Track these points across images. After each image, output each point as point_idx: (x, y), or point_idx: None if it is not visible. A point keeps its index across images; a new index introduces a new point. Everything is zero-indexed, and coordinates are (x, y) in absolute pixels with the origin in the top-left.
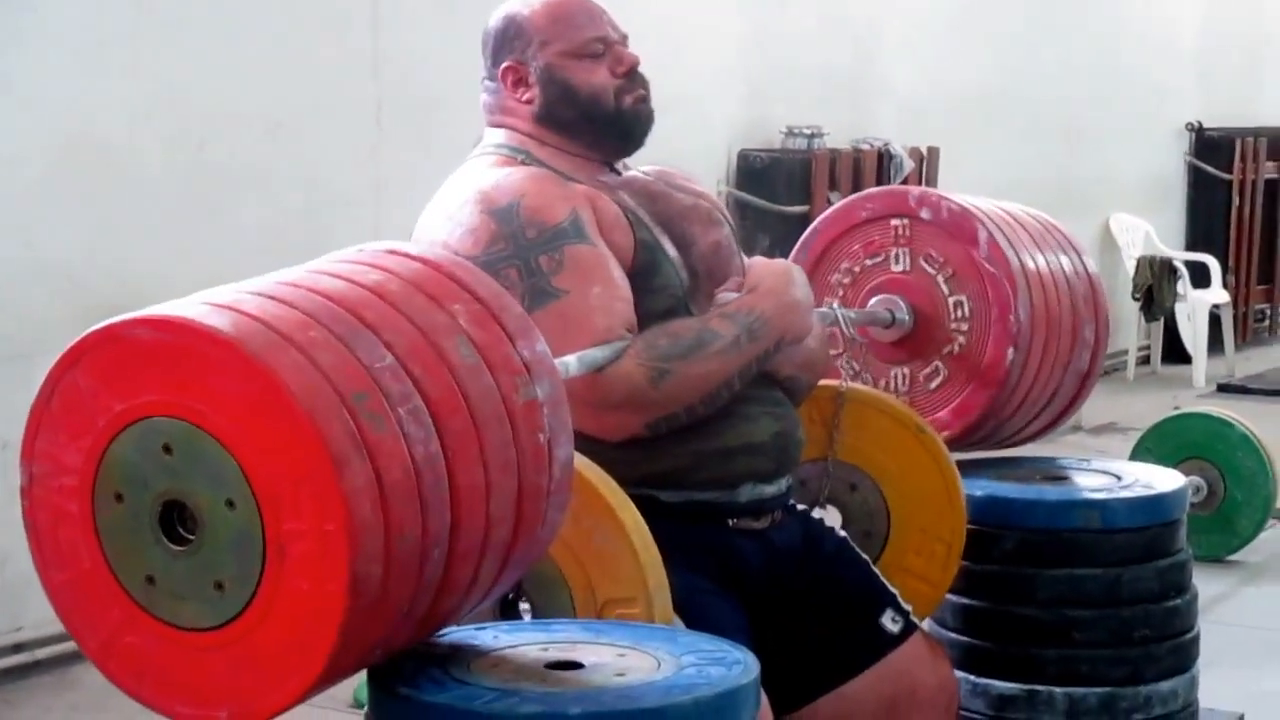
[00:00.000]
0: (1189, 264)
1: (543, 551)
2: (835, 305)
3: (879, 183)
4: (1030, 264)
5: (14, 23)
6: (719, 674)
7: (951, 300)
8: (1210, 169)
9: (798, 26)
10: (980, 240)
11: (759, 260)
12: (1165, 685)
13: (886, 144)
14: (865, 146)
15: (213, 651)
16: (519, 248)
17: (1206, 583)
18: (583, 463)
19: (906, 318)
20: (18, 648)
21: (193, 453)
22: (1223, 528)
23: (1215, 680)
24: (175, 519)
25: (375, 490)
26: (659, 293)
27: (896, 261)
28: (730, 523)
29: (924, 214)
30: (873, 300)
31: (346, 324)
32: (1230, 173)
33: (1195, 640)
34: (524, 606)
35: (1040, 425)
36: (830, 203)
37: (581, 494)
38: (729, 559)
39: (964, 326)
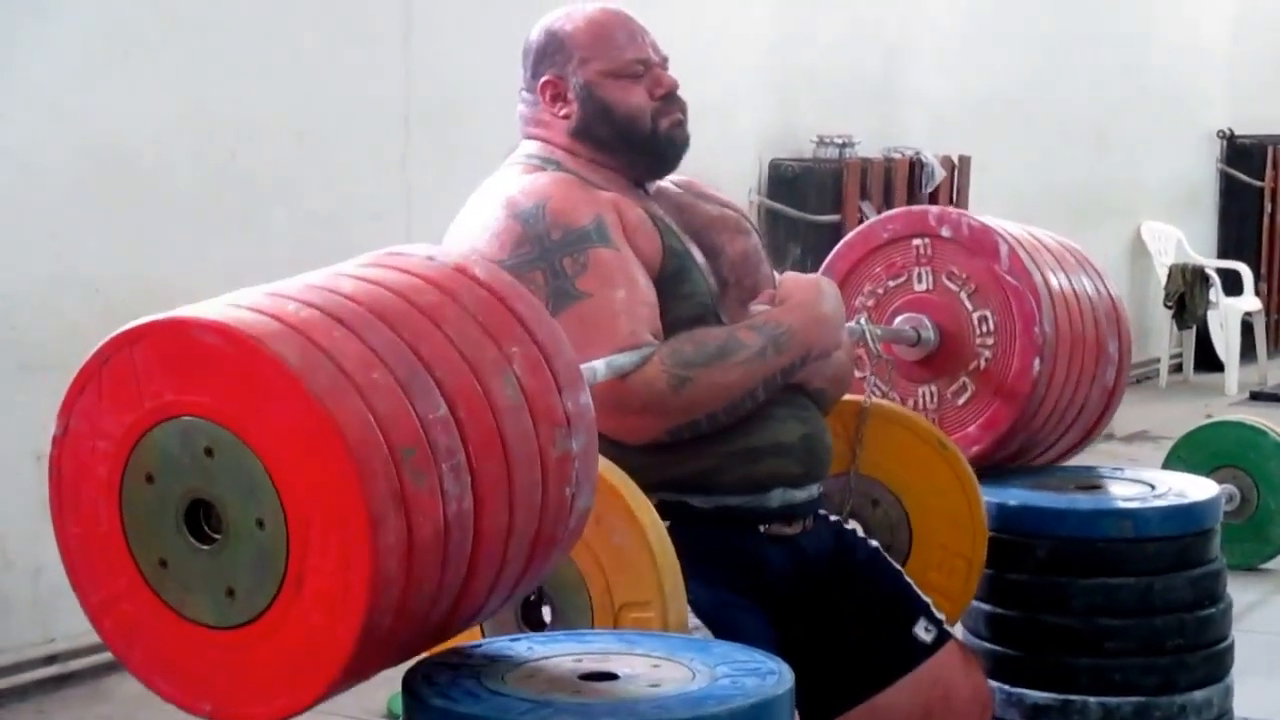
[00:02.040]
0: (1221, 271)
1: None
2: (862, 320)
3: (910, 192)
4: (1053, 279)
5: (41, 32)
6: (754, 685)
7: (976, 316)
8: (1242, 176)
9: (828, 35)
10: (1001, 254)
11: (791, 275)
12: (1199, 694)
13: (918, 153)
14: (896, 155)
15: (211, 648)
16: (544, 250)
17: (1240, 591)
18: (605, 465)
19: (931, 336)
20: (50, 659)
21: (234, 464)
22: (1256, 536)
23: (1250, 689)
24: (201, 516)
25: (405, 548)
26: (688, 299)
27: (919, 281)
28: (761, 529)
29: (944, 232)
30: (898, 320)
31: (407, 364)
32: (1262, 180)
33: (1229, 649)
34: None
35: (1069, 443)
36: (862, 212)
37: (603, 496)
38: (759, 569)
39: (989, 341)
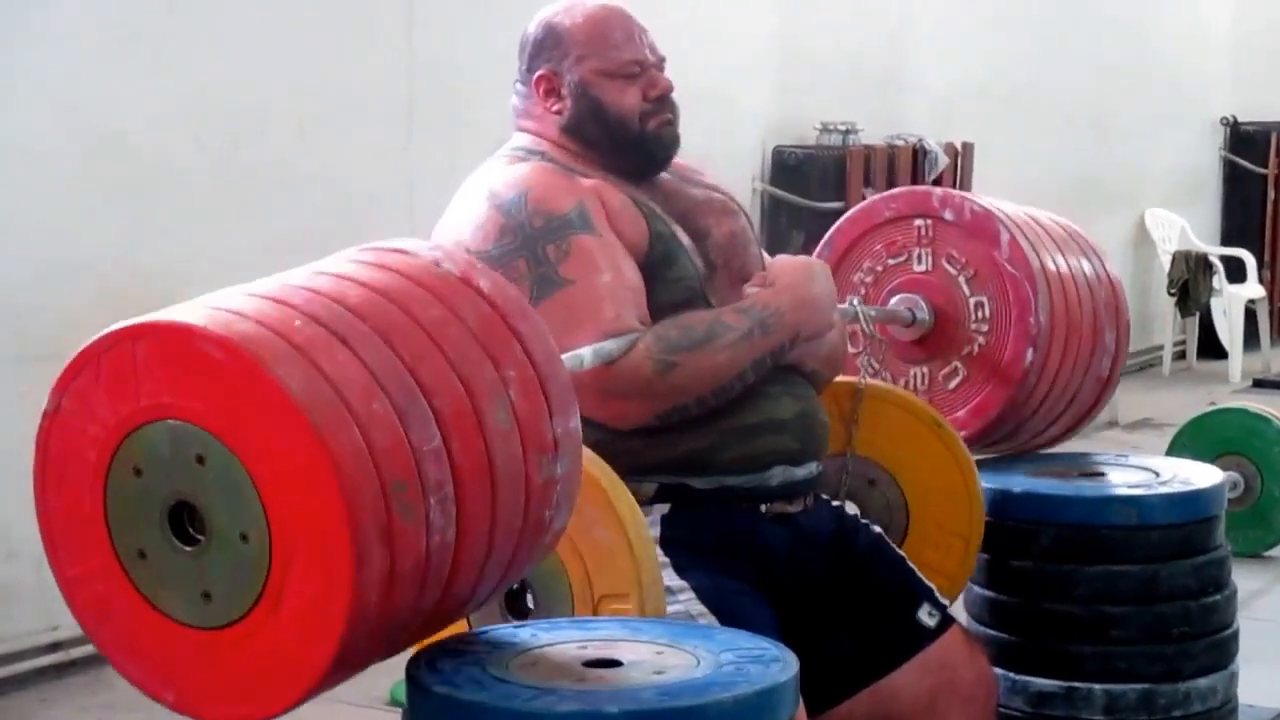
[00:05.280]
0: (1224, 259)
1: None
2: (856, 302)
3: (914, 179)
4: (1051, 266)
5: (44, 22)
6: (758, 671)
7: (972, 301)
8: (1245, 163)
9: (830, 22)
10: (1002, 242)
11: (781, 257)
12: (1204, 681)
13: (921, 140)
14: (900, 142)
15: (180, 642)
16: (526, 238)
17: (1244, 578)
18: (587, 456)
19: (927, 317)
20: (54, 647)
21: (225, 476)
22: (1259, 523)
23: (1254, 676)
24: (185, 517)
25: (386, 582)
26: (676, 284)
27: (919, 261)
28: (763, 509)
29: (947, 215)
30: (894, 299)
31: (406, 391)
32: (1266, 167)
33: (1234, 636)
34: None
35: (1059, 430)
36: (865, 199)
37: (583, 487)
38: (761, 552)
39: (984, 327)
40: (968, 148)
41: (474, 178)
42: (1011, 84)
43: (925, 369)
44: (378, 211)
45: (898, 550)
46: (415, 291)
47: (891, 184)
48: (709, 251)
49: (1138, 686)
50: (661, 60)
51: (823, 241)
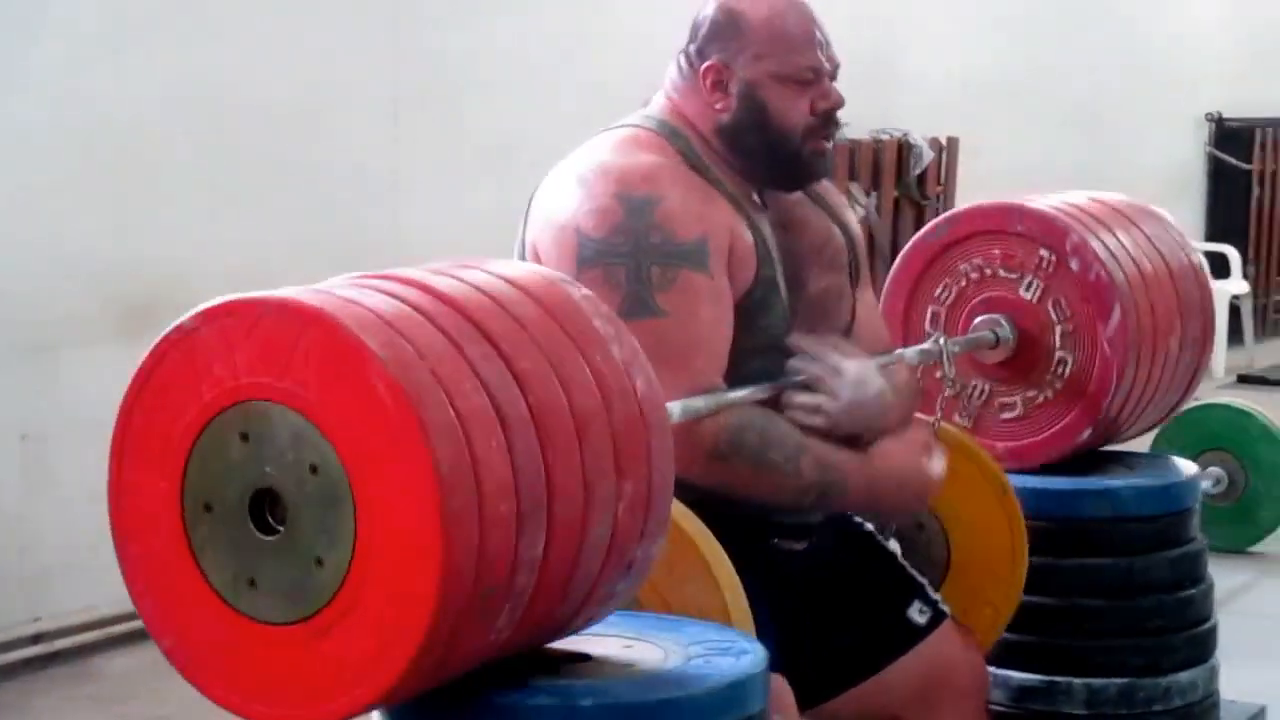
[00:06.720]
0: (1209, 254)
1: None
2: (941, 339)
3: (899, 173)
4: (1149, 347)
5: (38, 16)
6: (728, 664)
7: (1058, 354)
8: (1230, 159)
9: (820, 14)
10: (1111, 320)
11: (915, 423)
12: (1184, 676)
13: (906, 134)
14: (885, 137)
15: (230, 626)
16: (637, 248)
17: (1227, 574)
18: (680, 511)
19: (1010, 338)
20: (37, 638)
21: (331, 498)
22: (1243, 519)
23: (1237, 672)
24: (267, 504)
25: (437, 669)
26: (763, 332)
27: (1027, 288)
28: (774, 541)
29: (1073, 264)
30: (978, 320)
31: (533, 499)
32: (1250, 163)
33: (1213, 631)
34: None
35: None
36: (850, 194)
37: (677, 543)
38: (768, 568)
39: (1058, 385)
40: (952, 142)
41: (609, 139)
42: (997, 78)
43: (987, 386)
44: (367, 204)
45: (888, 547)
46: (581, 374)
47: (877, 178)
48: (798, 303)
49: (1118, 680)
50: (836, 68)
51: (949, 216)
